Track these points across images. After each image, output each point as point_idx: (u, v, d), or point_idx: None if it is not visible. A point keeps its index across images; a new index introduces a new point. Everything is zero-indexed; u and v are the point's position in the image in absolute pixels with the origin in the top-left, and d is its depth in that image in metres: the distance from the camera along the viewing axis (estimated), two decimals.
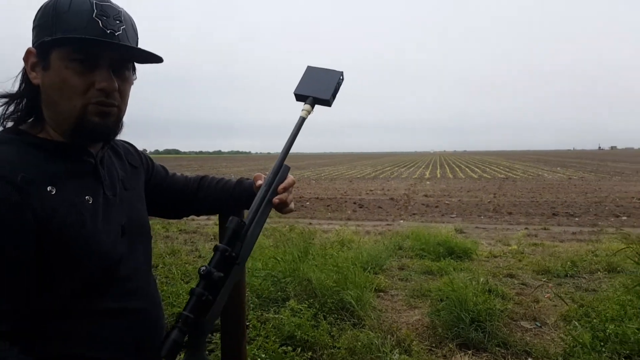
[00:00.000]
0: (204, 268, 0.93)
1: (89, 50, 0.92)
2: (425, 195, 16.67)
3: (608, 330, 3.14)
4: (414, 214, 11.99)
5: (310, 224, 9.43)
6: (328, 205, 13.79)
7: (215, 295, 0.95)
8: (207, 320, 0.95)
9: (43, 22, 0.93)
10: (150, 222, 1.21)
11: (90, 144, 1.01)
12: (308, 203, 14.50)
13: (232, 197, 1.35)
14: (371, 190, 18.94)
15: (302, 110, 1.18)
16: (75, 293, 0.93)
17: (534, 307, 4.14)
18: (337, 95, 1.23)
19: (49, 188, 0.89)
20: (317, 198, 15.98)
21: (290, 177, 1.20)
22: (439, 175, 29.54)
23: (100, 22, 0.91)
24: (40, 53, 0.94)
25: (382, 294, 4.65)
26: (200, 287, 0.93)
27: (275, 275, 4.21)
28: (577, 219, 10.85)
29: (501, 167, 39.44)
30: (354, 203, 14.37)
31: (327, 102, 1.20)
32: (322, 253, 5.06)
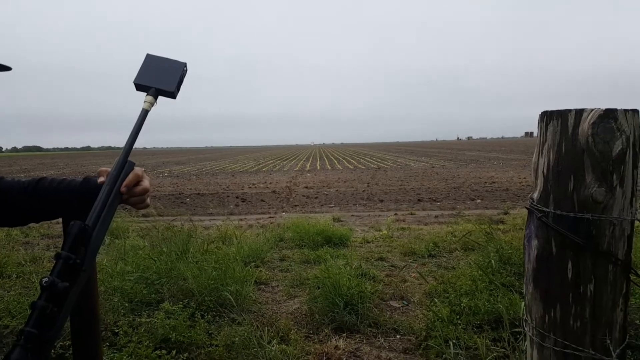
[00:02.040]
0: (46, 279, 0.83)
1: None
2: (306, 187, 16.99)
3: (463, 304, 3.43)
4: (295, 205, 12.14)
5: (191, 220, 9.08)
6: (210, 201, 13.43)
7: (60, 306, 0.86)
8: (53, 334, 0.86)
9: None
10: (6, 228, 1.07)
11: None
12: (188, 199, 13.98)
13: (77, 198, 1.20)
14: (254, 184, 18.83)
15: (145, 102, 1.09)
16: None
17: (402, 287, 4.40)
18: (184, 87, 1.16)
19: None
20: (198, 194, 15.48)
21: (135, 172, 1.09)
22: (318, 167, 30.32)
23: None
24: None
25: (263, 286, 4.63)
26: (42, 300, 0.83)
27: (148, 277, 3.96)
28: (438, 203, 11.81)
29: (374, 158, 41.63)
30: (237, 197, 14.17)
31: (172, 94, 1.13)
32: (202, 250, 4.89)
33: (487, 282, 3.86)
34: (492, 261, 4.24)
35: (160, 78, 1.12)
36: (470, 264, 4.83)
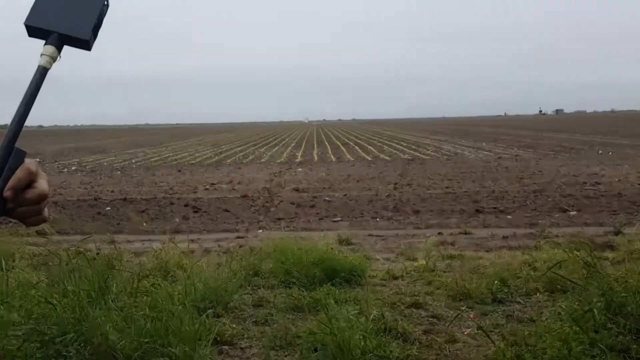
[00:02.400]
0: None
1: None
2: (297, 189, 17.01)
3: None
4: (278, 218, 12.17)
5: (113, 242, 9.11)
6: (143, 211, 13.45)
7: None
8: None
9: None
10: None
11: None
12: (109, 208, 14.02)
13: None
14: (213, 184, 18.88)
15: (42, 55, 1.06)
16: None
17: (449, 350, 4.40)
18: (100, 33, 1.14)
19: None
20: (125, 199, 15.53)
21: (26, 166, 1.08)
22: (316, 158, 30.34)
23: None
24: None
25: (227, 347, 4.65)
26: None
27: (45, 332, 3.98)
28: (509, 216, 11.82)
29: (405, 143, 41.64)
30: (186, 205, 14.21)
31: (86, 44, 1.10)
32: (130, 289, 4.91)
33: (587, 344, 3.86)
34: (595, 310, 4.24)
35: (67, 18, 1.10)
36: (559, 314, 4.83)
